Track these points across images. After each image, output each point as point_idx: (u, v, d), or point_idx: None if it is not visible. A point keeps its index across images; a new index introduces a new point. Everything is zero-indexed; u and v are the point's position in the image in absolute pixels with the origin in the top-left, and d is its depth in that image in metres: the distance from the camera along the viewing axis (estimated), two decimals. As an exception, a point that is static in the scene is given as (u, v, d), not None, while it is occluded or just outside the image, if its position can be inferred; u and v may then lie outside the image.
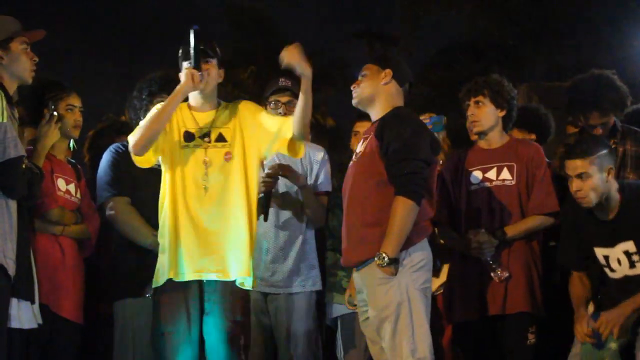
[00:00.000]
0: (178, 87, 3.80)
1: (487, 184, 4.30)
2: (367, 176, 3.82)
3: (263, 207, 4.23)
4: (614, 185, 4.00)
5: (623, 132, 4.60)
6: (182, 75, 3.82)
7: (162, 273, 3.79)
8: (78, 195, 4.38)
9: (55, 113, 4.18)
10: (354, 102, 4.02)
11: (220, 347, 3.75)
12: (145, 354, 4.12)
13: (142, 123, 3.84)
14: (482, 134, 4.39)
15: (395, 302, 3.69)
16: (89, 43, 16.80)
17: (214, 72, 3.86)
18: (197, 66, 3.75)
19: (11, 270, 3.52)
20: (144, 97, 4.35)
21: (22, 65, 3.67)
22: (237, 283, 3.80)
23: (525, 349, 4.16)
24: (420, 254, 3.78)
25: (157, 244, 3.89)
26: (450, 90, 5.24)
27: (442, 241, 4.52)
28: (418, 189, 3.71)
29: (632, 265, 3.95)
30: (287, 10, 18.52)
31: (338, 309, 4.61)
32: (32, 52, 3.72)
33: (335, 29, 18.46)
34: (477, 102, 4.36)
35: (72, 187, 4.35)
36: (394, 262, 3.66)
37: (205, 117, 3.89)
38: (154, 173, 4.00)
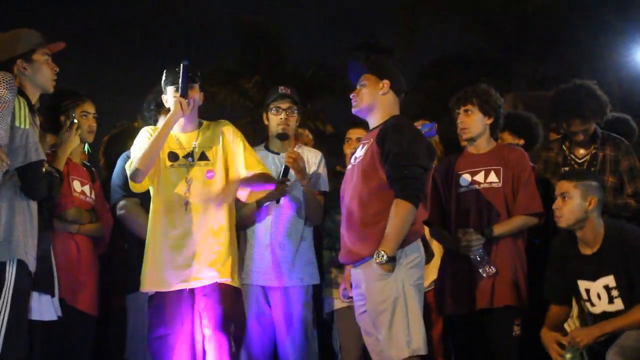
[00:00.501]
0: (169, 115, 3.91)
1: (476, 186, 4.29)
2: (368, 180, 3.82)
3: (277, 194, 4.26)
4: (599, 221, 3.98)
5: (603, 138, 4.58)
6: (171, 103, 3.94)
7: (149, 284, 3.86)
8: (92, 196, 4.38)
9: (75, 121, 4.20)
10: (354, 110, 4.02)
11: (213, 334, 3.79)
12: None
13: (138, 152, 3.89)
14: (471, 140, 4.39)
15: (392, 296, 3.70)
16: (104, 53, 16.79)
17: (197, 97, 3.98)
18: (184, 94, 3.88)
19: (32, 266, 3.51)
20: (152, 108, 4.41)
21: (44, 75, 3.66)
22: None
23: (511, 340, 4.15)
24: (415, 253, 3.80)
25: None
26: (442, 99, 5.24)
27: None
28: (417, 193, 3.73)
29: (610, 300, 3.92)
30: (289, 24, 18.54)
31: (334, 303, 4.61)
32: (52, 63, 3.71)
33: (335, 40, 18.48)
34: (466, 111, 4.35)
35: (87, 189, 4.36)
36: (392, 260, 3.67)
37: (188, 138, 3.99)
38: None
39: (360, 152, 3.94)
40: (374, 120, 3.97)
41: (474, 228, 4.19)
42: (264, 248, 4.36)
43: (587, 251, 4.00)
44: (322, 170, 4.55)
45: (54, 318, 3.79)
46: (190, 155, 3.94)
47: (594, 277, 3.95)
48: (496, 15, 16.53)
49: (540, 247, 4.46)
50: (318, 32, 18.67)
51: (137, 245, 4.23)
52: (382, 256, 3.65)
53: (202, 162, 3.94)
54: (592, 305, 3.98)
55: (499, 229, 4.19)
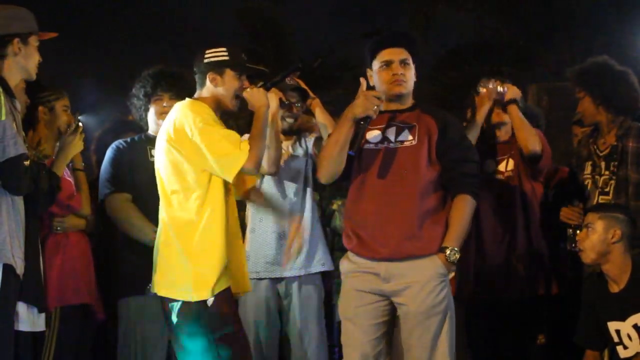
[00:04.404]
0: (274, 110, 3.91)
1: (500, 176, 4.45)
2: (426, 170, 3.72)
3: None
4: (626, 256, 3.99)
5: (628, 128, 4.40)
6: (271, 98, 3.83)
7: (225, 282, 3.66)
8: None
9: (80, 124, 4.13)
10: (400, 90, 3.80)
11: None
12: (148, 353, 4.16)
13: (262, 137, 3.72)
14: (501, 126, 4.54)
15: (445, 304, 3.65)
16: (98, 42, 16.74)
17: None
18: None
19: (20, 268, 3.48)
20: (141, 97, 4.40)
21: (33, 61, 3.63)
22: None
23: (534, 349, 4.20)
24: None
25: None
26: (461, 90, 5.25)
27: None
28: (478, 192, 3.76)
29: None
30: (295, 12, 18.53)
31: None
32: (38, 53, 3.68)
33: (343, 29, 18.46)
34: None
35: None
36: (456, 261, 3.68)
37: None
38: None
39: (406, 136, 3.78)
40: (398, 105, 3.84)
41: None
42: (276, 238, 4.34)
43: (614, 289, 4.01)
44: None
45: (43, 329, 3.80)
46: None
47: (623, 317, 3.95)
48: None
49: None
50: (326, 21, 18.65)
51: (127, 246, 4.23)
52: (456, 253, 3.62)
53: None
54: (625, 348, 3.96)
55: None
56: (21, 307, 3.64)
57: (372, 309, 3.71)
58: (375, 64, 3.82)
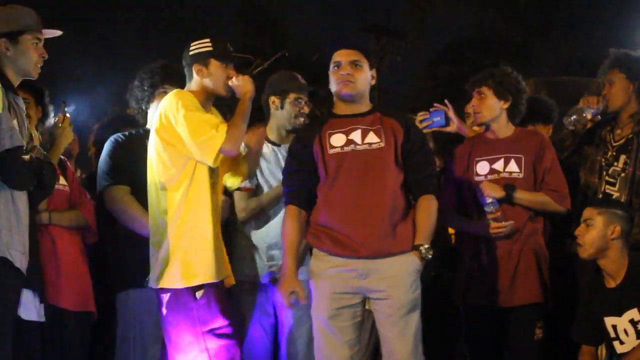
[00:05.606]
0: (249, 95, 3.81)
1: (495, 175, 4.29)
2: (397, 171, 3.81)
3: None
4: (623, 252, 4.01)
5: None
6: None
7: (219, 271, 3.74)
8: (63, 182, 4.31)
9: (68, 115, 4.17)
10: (348, 91, 3.85)
11: None
12: (148, 347, 4.14)
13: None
14: (485, 125, 4.39)
15: (419, 300, 3.76)
16: (95, 36, 16.70)
17: None
18: None
19: (18, 262, 3.47)
20: (145, 88, 4.37)
21: (28, 60, 3.61)
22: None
23: (531, 343, 4.19)
24: None
25: None
26: (458, 85, 5.26)
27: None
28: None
29: (639, 335, 3.93)
30: (293, 6, 18.51)
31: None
32: (42, 49, 3.65)
33: (341, 24, 18.45)
34: (479, 93, 4.36)
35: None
36: None
37: None
38: None
39: (372, 138, 3.83)
40: (356, 107, 3.90)
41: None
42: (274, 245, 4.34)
43: (611, 284, 4.03)
44: None
45: (35, 319, 3.79)
46: None
47: (619, 312, 3.97)
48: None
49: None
50: (324, 14, 18.64)
51: (127, 238, 4.20)
52: (429, 250, 3.72)
53: None
54: (622, 343, 3.98)
55: (521, 193, 4.20)
56: (30, 297, 3.69)
57: (348, 310, 3.78)
58: (330, 67, 3.90)
